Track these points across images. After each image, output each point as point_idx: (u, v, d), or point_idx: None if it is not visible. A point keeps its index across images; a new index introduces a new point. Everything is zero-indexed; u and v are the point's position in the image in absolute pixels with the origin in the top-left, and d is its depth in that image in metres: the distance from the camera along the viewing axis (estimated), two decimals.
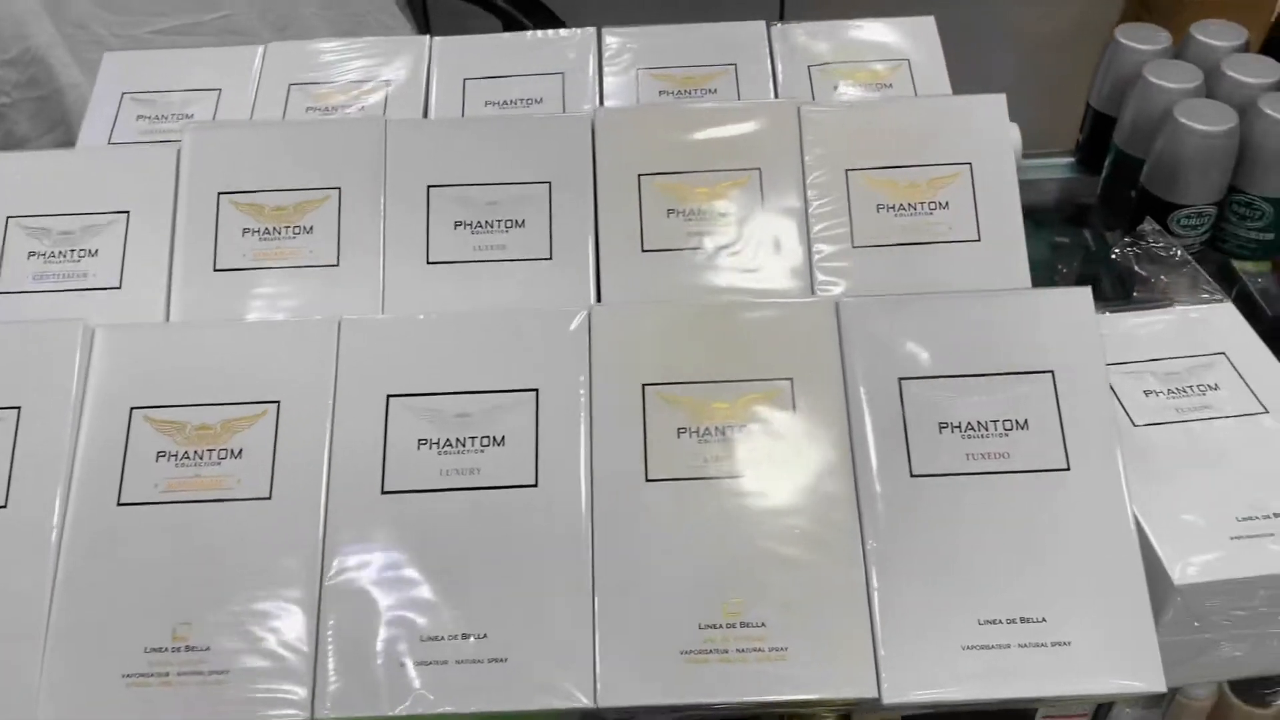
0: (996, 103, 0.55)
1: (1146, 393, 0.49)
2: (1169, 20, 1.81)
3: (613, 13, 1.62)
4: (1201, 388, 0.49)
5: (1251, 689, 0.53)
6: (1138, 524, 0.42)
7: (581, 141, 0.55)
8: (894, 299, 0.46)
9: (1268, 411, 0.47)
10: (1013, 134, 0.64)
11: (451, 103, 0.65)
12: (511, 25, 1.45)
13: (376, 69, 0.67)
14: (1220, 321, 0.52)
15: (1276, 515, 0.43)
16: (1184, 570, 0.42)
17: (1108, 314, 0.52)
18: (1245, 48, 0.69)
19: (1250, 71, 0.65)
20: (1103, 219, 0.73)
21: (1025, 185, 0.64)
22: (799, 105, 0.55)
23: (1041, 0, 1.91)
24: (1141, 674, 0.40)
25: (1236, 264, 0.65)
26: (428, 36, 0.68)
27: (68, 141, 1.17)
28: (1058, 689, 0.40)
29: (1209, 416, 0.47)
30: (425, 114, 0.65)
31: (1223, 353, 0.50)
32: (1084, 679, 0.40)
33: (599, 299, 0.51)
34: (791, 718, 0.47)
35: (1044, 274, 0.66)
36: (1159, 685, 0.39)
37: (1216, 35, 0.69)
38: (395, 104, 0.65)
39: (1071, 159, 0.77)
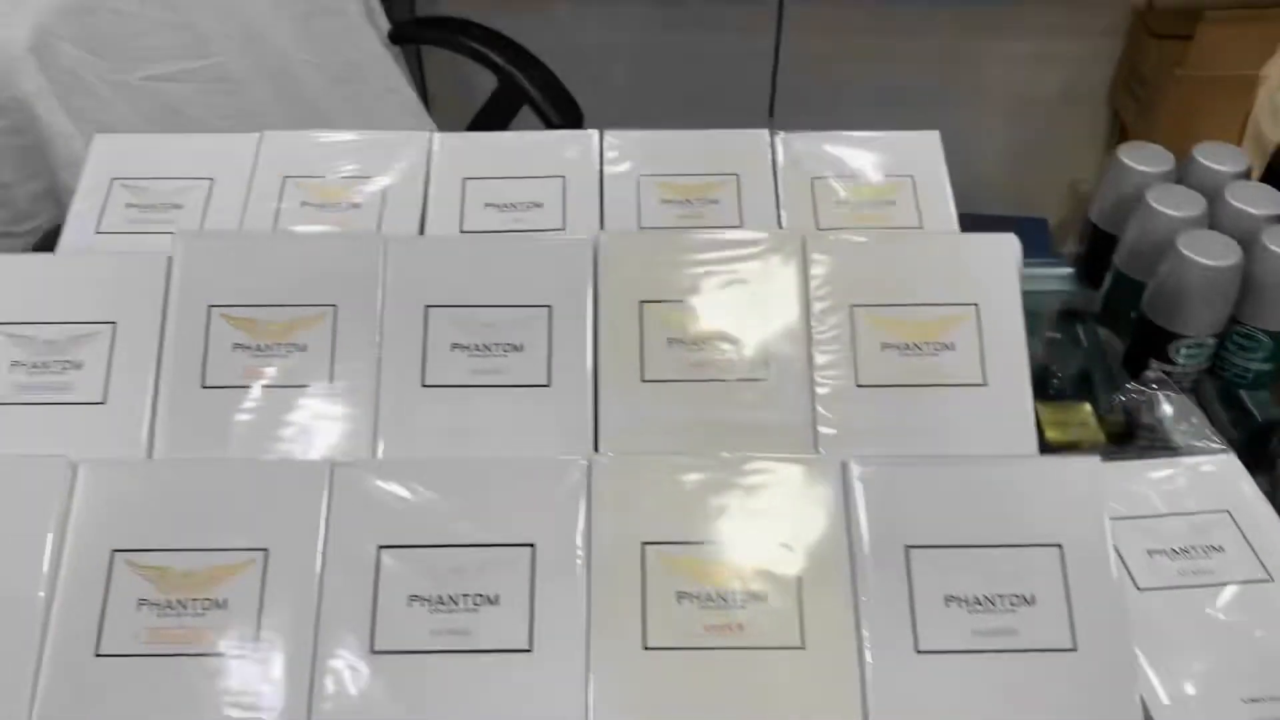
0: (1007, 242, 0.54)
1: (1150, 552, 0.48)
2: (1160, 92, 1.83)
3: (601, 93, 1.61)
4: (1206, 549, 0.48)
5: None
6: (1143, 703, 0.42)
7: (583, 265, 0.54)
8: (901, 463, 0.45)
9: (1271, 579, 0.47)
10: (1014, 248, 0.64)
11: (450, 201, 0.64)
12: (504, 83, 1.44)
13: (376, 164, 0.65)
14: (1225, 474, 0.51)
15: None
16: None
17: (1113, 464, 0.51)
18: (1247, 174, 0.69)
19: (1253, 201, 0.65)
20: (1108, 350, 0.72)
21: (1024, 295, 0.63)
22: (804, 237, 0.54)
23: (1031, 64, 1.93)
24: None
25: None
26: (429, 133, 0.66)
27: (53, 192, 1.15)
28: None
29: (1214, 583, 0.47)
30: (423, 213, 0.64)
31: (1227, 510, 0.49)
32: None
33: (597, 430, 0.50)
34: None
35: (1038, 376, 0.64)
36: None
37: (1219, 160, 0.69)
38: (393, 202, 0.64)
39: (1070, 270, 0.76)
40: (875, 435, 0.49)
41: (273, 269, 0.53)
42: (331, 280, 0.53)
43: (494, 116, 1.49)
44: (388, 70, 1.43)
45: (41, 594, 0.42)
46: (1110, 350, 0.70)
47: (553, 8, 1.89)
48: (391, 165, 0.65)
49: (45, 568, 0.42)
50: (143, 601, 0.42)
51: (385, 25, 1.47)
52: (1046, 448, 0.54)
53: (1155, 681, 0.42)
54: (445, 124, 1.47)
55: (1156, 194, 0.66)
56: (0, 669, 0.41)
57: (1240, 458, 0.52)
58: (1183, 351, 0.64)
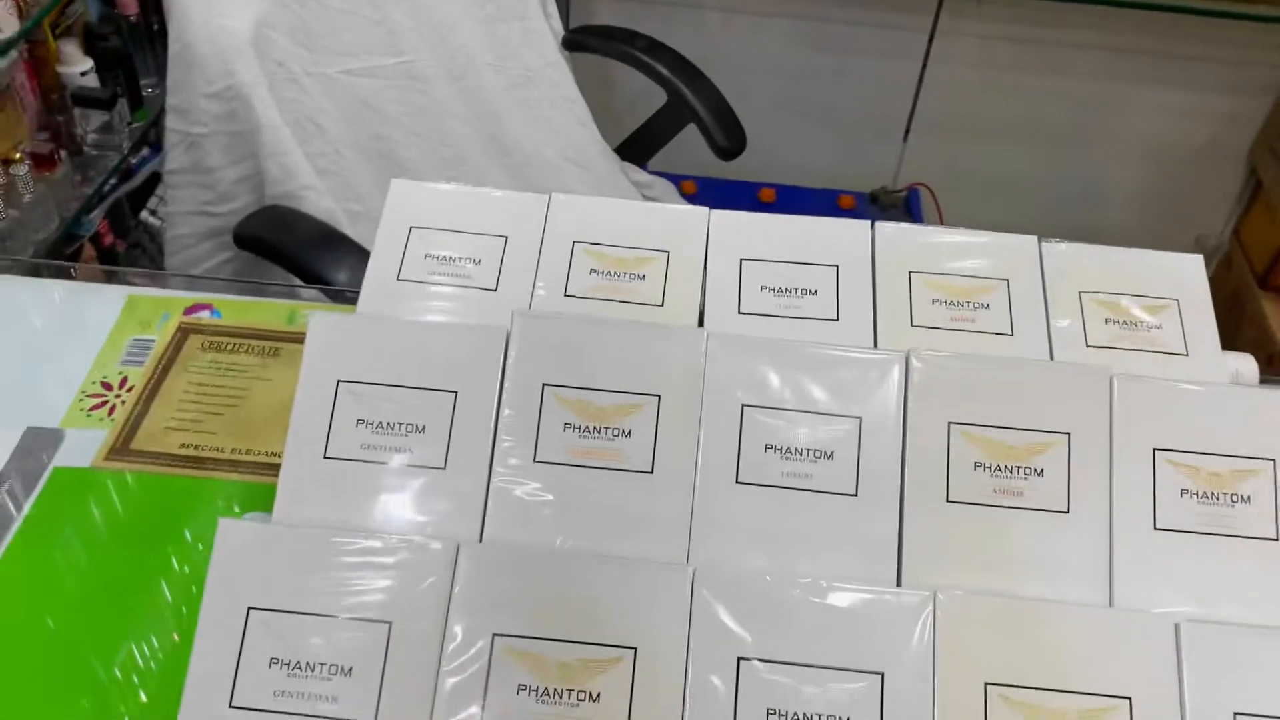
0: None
1: None
2: None
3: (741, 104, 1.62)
4: None
5: None
6: None
7: (891, 383, 0.56)
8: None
9: None
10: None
11: (729, 282, 0.66)
12: (672, 98, 1.46)
13: (657, 237, 0.67)
14: None
15: None
16: None
17: None
18: None
19: None
20: None
21: None
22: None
23: (1175, 115, 1.92)
24: None
25: None
26: (707, 211, 0.69)
27: (254, 177, 1.19)
28: None
29: None
30: (703, 289, 0.66)
31: None
32: None
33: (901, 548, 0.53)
34: None
35: None
36: None
37: None
38: (674, 278, 0.66)
39: None
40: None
41: (602, 355, 0.56)
42: (655, 371, 0.56)
43: (659, 131, 1.52)
44: (561, 77, 1.46)
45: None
46: None
47: (703, 15, 1.91)
48: (671, 238, 0.67)
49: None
50: (522, 687, 0.45)
51: (560, 31, 1.50)
52: None
53: None
54: (603, 133, 1.50)
55: None
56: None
57: None
58: None
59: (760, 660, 0.46)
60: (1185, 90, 1.89)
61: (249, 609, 0.47)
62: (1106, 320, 0.65)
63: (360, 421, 0.55)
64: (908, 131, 1.98)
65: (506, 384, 0.56)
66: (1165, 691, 0.46)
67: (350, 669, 0.46)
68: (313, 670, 0.46)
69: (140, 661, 0.58)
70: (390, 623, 0.46)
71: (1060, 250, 0.68)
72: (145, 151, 1.76)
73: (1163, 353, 0.63)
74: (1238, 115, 1.91)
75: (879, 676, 0.46)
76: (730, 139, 1.43)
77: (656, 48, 1.49)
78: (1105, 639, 0.47)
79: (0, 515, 0.65)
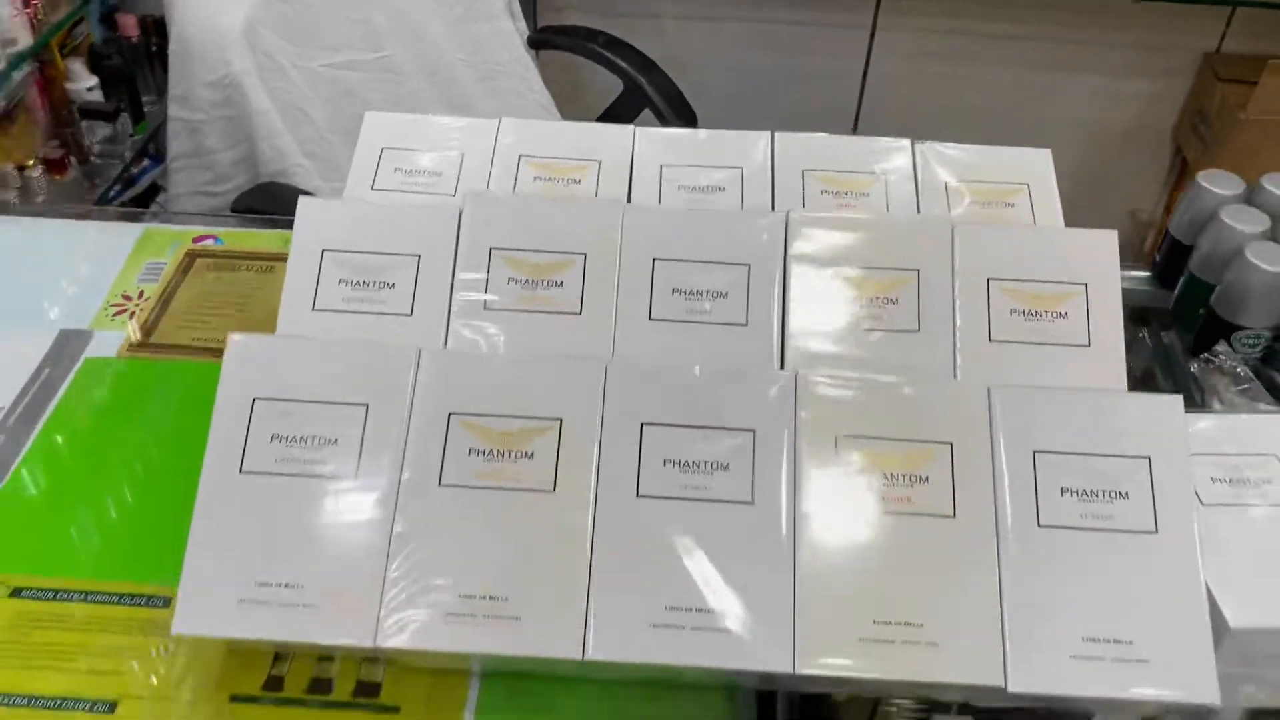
0: (1109, 237, 0.68)
1: (1213, 480, 0.62)
2: (1224, 132, 1.95)
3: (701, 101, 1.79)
4: (1259, 481, 0.62)
5: None
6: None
7: (777, 235, 0.69)
8: (1031, 389, 0.60)
9: None
10: None
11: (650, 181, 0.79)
12: (628, 87, 1.60)
13: (591, 150, 0.80)
14: (1277, 429, 0.66)
15: None
16: (1237, 616, 0.56)
17: (1189, 414, 0.65)
18: None
19: None
20: (1175, 330, 0.86)
21: None
22: (952, 224, 0.69)
23: (1102, 100, 2.06)
24: (1202, 691, 0.53)
25: None
26: (633, 127, 0.82)
27: (249, 158, 1.32)
28: (1138, 694, 0.53)
29: (1267, 504, 0.61)
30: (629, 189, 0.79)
31: (1273, 453, 0.64)
32: (1155, 689, 0.53)
33: (782, 360, 0.65)
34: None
35: None
36: (1215, 699, 0.53)
37: None
38: (605, 181, 0.79)
39: (1148, 273, 0.91)
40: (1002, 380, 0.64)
41: (538, 221, 0.69)
42: (579, 236, 0.68)
43: (618, 117, 1.65)
44: (527, 71, 1.60)
45: (399, 439, 0.57)
46: (1174, 350, 0.84)
47: (661, 23, 2.05)
48: (605, 151, 0.80)
49: (402, 421, 0.58)
50: (472, 450, 0.57)
51: (525, 31, 1.64)
52: None
53: (1212, 562, 0.56)
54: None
55: (1229, 212, 0.80)
56: (374, 487, 0.56)
57: None
58: (1242, 340, 0.78)
59: (659, 424, 0.58)
60: (1111, 75, 2.04)
61: (254, 399, 0.59)
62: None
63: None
64: (856, 123, 2.13)
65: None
66: (980, 437, 0.58)
67: (336, 439, 0.58)
68: (305, 442, 0.58)
69: (158, 494, 0.70)
70: (367, 404, 0.58)
71: (928, 149, 0.81)
72: (146, 162, 1.89)
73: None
74: (1162, 96, 2.05)
75: (751, 433, 0.58)
76: (682, 121, 1.57)
77: (614, 43, 1.64)
78: (937, 402, 0.59)
79: (41, 395, 0.77)
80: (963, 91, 2.08)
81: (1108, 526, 0.57)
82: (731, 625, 0.55)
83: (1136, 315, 0.90)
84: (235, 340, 0.60)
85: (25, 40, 1.58)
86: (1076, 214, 0.76)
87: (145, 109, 1.87)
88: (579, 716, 0.60)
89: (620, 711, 0.60)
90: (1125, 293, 0.89)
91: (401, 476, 0.57)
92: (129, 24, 1.81)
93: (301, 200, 0.69)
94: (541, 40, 1.65)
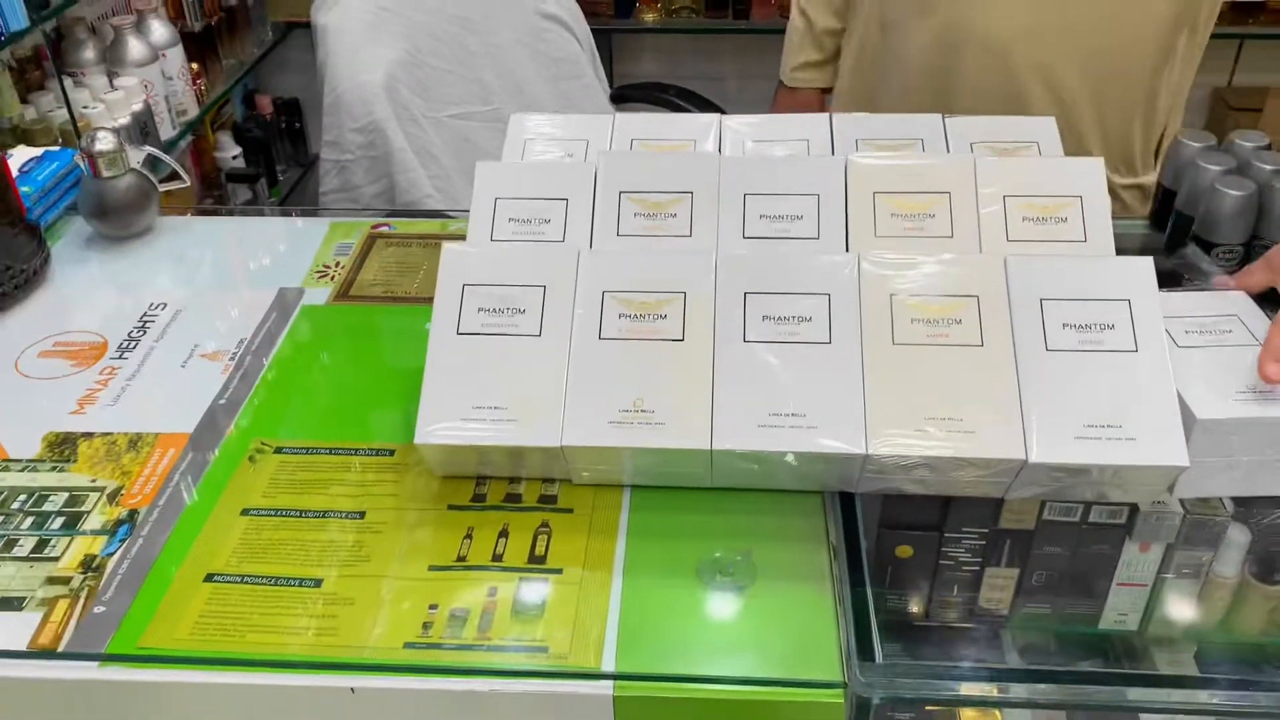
0: (1097, 163, 0.89)
1: (1186, 331, 0.81)
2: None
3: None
4: (1221, 331, 0.81)
5: (1268, 574, 0.83)
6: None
7: (839, 172, 0.90)
8: (1039, 258, 0.80)
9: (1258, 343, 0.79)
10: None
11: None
12: None
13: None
14: (1240, 300, 0.84)
15: (1265, 391, 0.75)
16: (1202, 410, 0.74)
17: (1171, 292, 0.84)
18: (1269, 147, 1.03)
19: (1267, 161, 0.99)
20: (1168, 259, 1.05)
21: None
22: (974, 159, 0.90)
23: None
24: (1175, 457, 0.72)
25: None
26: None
27: (389, 191, 1.58)
28: (1128, 460, 0.72)
29: (1229, 345, 0.80)
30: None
31: (1236, 314, 0.83)
32: (1141, 458, 0.72)
33: None
34: None
35: None
36: (1184, 461, 0.71)
37: (1248, 139, 1.03)
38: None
39: (1146, 222, 1.10)
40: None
41: (657, 173, 0.91)
42: (688, 179, 0.91)
43: None
44: None
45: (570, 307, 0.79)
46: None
47: (724, 84, 2.31)
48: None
49: (571, 296, 0.79)
50: (621, 314, 0.79)
51: (608, 89, 1.90)
52: None
53: (1181, 375, 0.75)
54: None
55: (1203, 156, 1.00)
56: (554, 338, 0.78)
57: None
58: (1221, 255, 0.97)
59: (758, 293, 0.79)
60: None
61: (464, 284, 0.81)
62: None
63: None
64: None
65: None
66: (1000, 291, 0.78)
67: (524, 309, 0.79)
68: (503, 312, 0.79)
69: (371, 386, 0.92)
70: (545, 286, 0.80)
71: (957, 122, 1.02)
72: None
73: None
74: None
75: (827, 296, 0.79)
76: None
77: (685, 94, 1.89)
78: (966, 268, 0.79)
79: (270, 334, 1.00)
80: None
81: (1099, 348, 0.76)
82: (817, 422, 0.74)
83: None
84: (448, 247, 0.83)
85: (193, 111, 1.87)
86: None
87: (279, 176, 2.15)
88: (702, 516, 0.79)
89: (733, 513, 0.79)
90: (1130, 236, 1.10)
91: (572, 333, 0.79)
92: (265, 104, 2.11)
93: (479, 163, 0.93)
94: (622, 94, 1.91)
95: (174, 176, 1.15)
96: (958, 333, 0.77)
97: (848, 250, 0.86)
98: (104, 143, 1.08)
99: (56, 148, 1.19)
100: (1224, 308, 0.84)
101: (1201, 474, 0.76)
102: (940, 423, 0.74)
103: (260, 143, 2.10)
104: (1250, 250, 0.98)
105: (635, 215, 0.90)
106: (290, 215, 1.21)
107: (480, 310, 0.80)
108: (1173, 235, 1.04)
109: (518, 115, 1.08)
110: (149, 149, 1.11)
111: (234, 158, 2.04)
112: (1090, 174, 0.89)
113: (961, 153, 0.98)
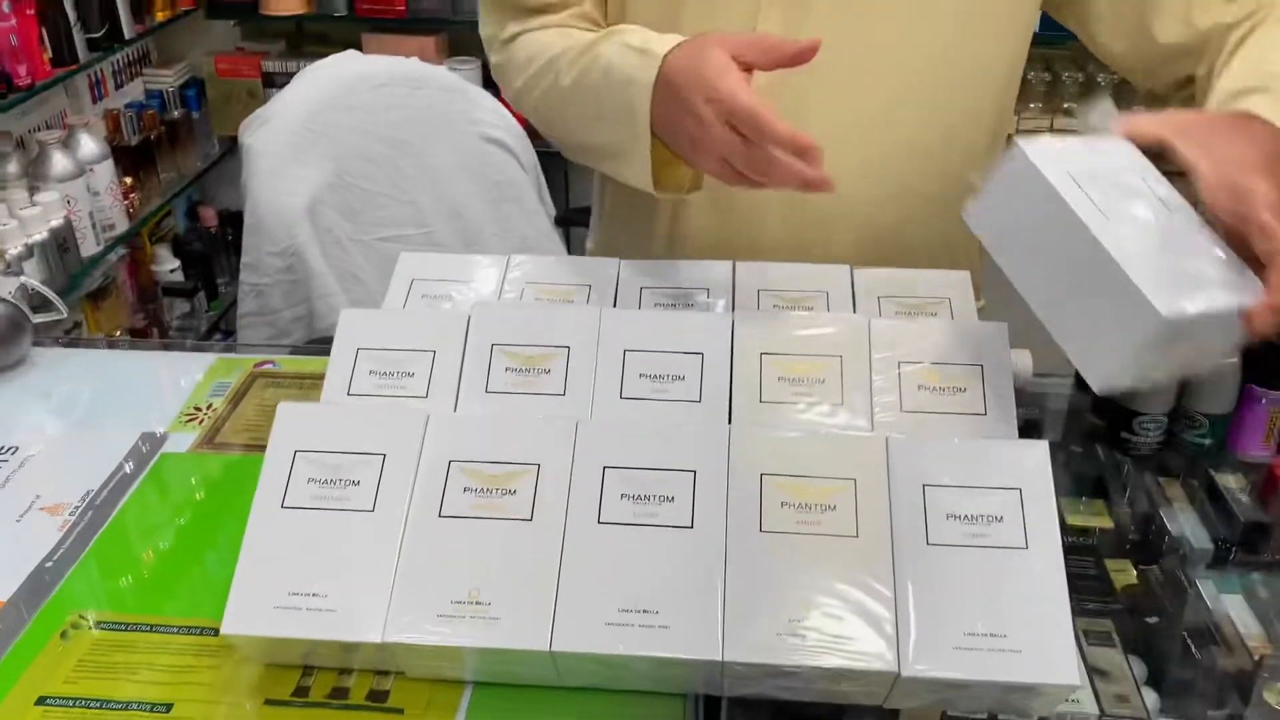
0: (1000, 328, 0.83)
1: (1102, 194, 0.71)
2: None
3: None
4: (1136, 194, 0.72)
5: None
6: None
7: (726, 330, 0.84)
8: (922, 441, 0.73)
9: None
10: (1024, 359, 0.93)
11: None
12: None
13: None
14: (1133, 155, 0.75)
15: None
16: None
17: None
18: None
19: None
20: (1104, 430, 0.99)
21: (1037, 398, 0.92)
22: (868, 321, 0.84)
23: None
24: (1064, 674, 0.64)
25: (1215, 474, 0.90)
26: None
27: (307, 316, 1.52)
28: (1010, 677, 0.64)
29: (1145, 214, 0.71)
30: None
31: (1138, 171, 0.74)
32: (1028, 673, 0.64)
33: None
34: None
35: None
36: (1074, 680, 0.63)
37: None
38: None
39: (1072, 380, 1.04)
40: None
41: (536, 323, 0.85)
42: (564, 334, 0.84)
43: None
44: (554, 244, 1.81)
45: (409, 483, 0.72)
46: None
47: None
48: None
49: (412, 469, 0.72)
50: (466, 489, 0.72)
51: (553, 212, 1.86)
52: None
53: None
54: None
55: None
56: (387, 518, 0.70)
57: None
58: (1143, 424, 0.91)
59: (618, 467, 0.72)
60: None
61: (295, 450, 0.74)
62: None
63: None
64: None
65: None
66: (879, 473, 0.71)
67: (358, 481, 0.72)
68: (334, 484, 0.72)
69: (212, 550, 0.84)
70: (384, 454, 0.73)
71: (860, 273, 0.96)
72: (217, 336, 2.12)
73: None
74: None
75: (693, 473, 0.72)
76: None
77: None
78: (843, 448, 0.73)
79: (120, 485, 0.93)
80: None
81: (985, 543, 0.68)
82: (670, 622, 0.67)
83: (1081, 424, 1.03)
84: (283, 407, 0.76)
85: (122, 226, 1.83)
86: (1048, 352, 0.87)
87: (220, 289, 2.11)
88: (553, 718, 0.71)
89: (587, 716, 0.71)
90: (1057, 398, 1.03)
91: (409, 509, 0.71)
92: (209, 215, 2.08)
93: (344, 311, 0.87)
94: (567, 219, 1.87)
95: (50, 306, 1.09)
96: (831, 520, 0.70)
97: (730, 415, 0.80)
98: None
99: None
100: (1122, 162, 0.74)
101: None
102: (805, 627, 0.66)
103: (200, 256, 2.06)
104: (1174, 423, 0.92)
105: (506, 370, 0.83)
106: (178, 349, 1.15)
107: (310, 481, 0.73)
108: (1098, 402, 0.97)
109: (406, 254, 1.02)
110: (23, 279, 1.06)
111: (171, 271, 2.00)
112: (994, 340, 0.83)
113: (867, 308, 0.93)
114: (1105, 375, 0.71)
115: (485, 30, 1.07)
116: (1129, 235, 0.69)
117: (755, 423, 0.78)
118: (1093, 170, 0.72)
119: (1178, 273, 0.69)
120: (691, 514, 0.71)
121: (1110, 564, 0.86)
